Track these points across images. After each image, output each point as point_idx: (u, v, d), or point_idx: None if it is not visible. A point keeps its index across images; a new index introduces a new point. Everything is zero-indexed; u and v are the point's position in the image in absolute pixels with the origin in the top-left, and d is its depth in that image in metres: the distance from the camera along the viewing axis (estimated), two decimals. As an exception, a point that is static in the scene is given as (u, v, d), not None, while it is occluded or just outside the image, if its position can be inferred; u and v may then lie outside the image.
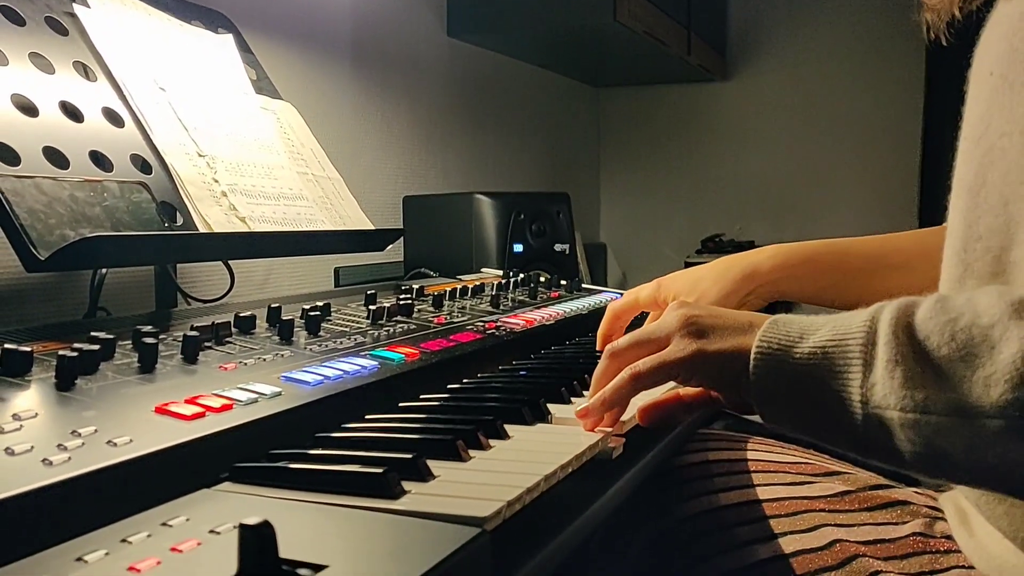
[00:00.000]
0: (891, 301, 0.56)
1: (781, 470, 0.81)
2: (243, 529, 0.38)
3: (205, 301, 1.14)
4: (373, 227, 1.22)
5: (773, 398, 0.59)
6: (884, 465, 0.58)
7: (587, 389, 0.82)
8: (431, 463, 0.55)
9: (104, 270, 1.05)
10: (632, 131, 3.18)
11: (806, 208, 2.90)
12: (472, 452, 0.59)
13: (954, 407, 0.50)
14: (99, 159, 0.90)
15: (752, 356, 0.60)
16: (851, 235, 0.97)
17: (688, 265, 2.79)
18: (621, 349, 0.69)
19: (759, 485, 0.79)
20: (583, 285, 1.47)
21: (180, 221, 0.95)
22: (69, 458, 0.48)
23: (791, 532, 0.73)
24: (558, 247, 1.89)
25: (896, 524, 0.74)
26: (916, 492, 0.79)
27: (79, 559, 0.41)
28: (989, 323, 0.50)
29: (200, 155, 1.01)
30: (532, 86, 2.69)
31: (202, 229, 0.95)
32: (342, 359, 0.76)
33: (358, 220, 1.20)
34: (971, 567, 0.69)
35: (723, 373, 0.63)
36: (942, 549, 0.71)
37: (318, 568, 0.41)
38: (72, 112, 0.90)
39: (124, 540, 0.43)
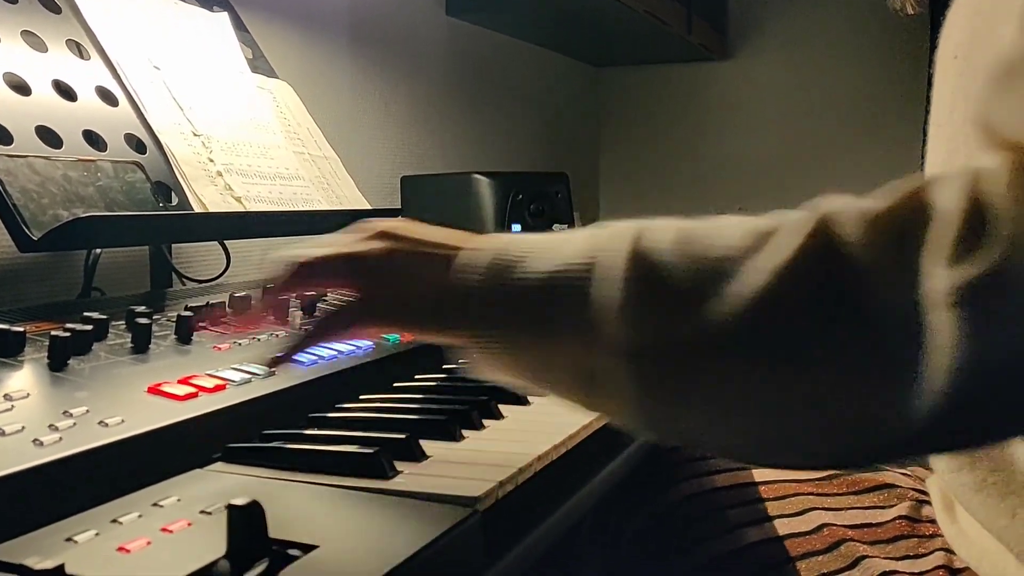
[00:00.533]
0: (626, 227, 0.49)
1: None
2: (231, 509, 0.38)
3: (200, 281, 1.14)
4: (370, 207, 1.21)
5: (487, 326, 0.49)
6: (612, 419, 0.50)
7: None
8: (425, 443, 0.55)
9: (98, 250, 1.05)
10: (632, 111, 3.17)
11: (807, 189, 2.87)
12: (466, 432, 0.59)
13: (684, 347, 0.44)
14: (93, 138, 0.89)
15: (468, 266, 0.50)
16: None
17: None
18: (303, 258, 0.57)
19: (750, 468, 0.79)
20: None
21: (175, 201, 0.94)
22: (60, 439, 0.48)
23: (780, 515, 0.74)
24: (557, 227, 1.88)
25: (883, 508, 0.74)
26: (903, 474, 0.79)
27: (69, 539, 0.41)
28: (726, 255, 0.45)
29: (195, 135, 1.01)
30: (531, 65, 2.67)
31: (197, 209, 0.95)
32: (337, 339, 0.76)
33: (355, 200, 1.20)
34: (953, 552, 0.69)
35: (421, 289, 0.52)
36: (927, 533, 0.71)
37: (308, 548, 0.41)
38: (65, 91, 0.89)
39: (115, 520, 0.43)
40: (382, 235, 0.55)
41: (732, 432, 0.46)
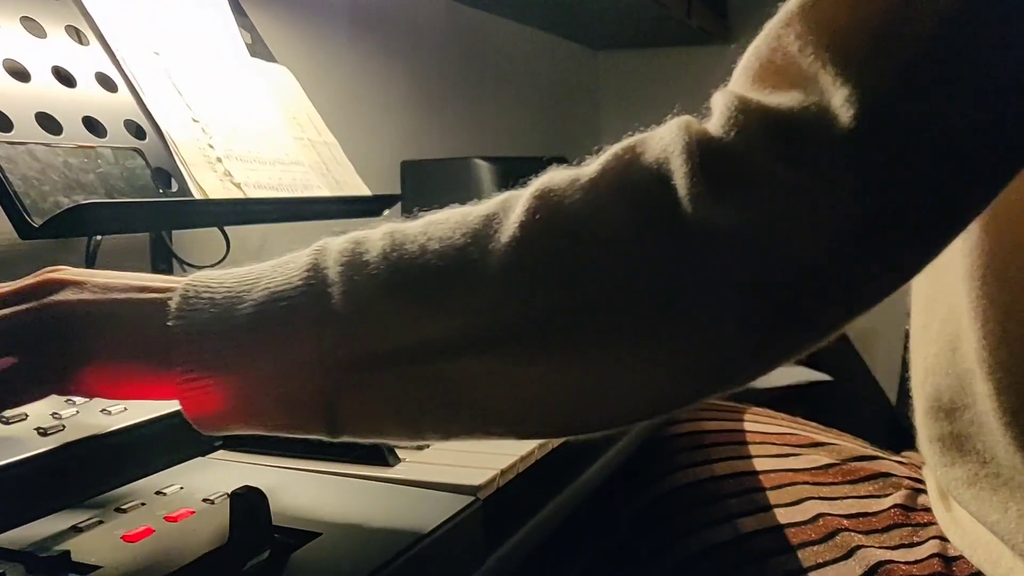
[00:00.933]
0: (335, 241, 0.47)
1: (768, 441, 0.81)
2: (234, 498, 0.38)
3: (201, 267, 1.14)
4: (370, 193, 1.21)
5: (215, 367, 0.43)
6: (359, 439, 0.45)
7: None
8: (425, 431, 0.55)
9: (99, 237, 1.05)
10: (631, 94, 3.16)
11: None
12: (466, 420, 0.60)
13: (413, 356, 0.41)
14: (92, 125, 0.89)
15: (174, 303, 0.44)
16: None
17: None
18: None
19: (748, 457, 0.79)
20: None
21: (175, 187, 0.94)
22: (63, 427, 0.48)
23: (776, 505, 0.74)
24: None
25: (878, 497, 0.74)
26: (899, 463, 0.80)
27: (74, 527, 0.42)
28: (447, 249, 0.43)
29: (195, 120, 1.01)
30: (531, 49, 2.66)
31: (197, 195, 0.94)
32: (338, 326, 0.76)
33: (355, 186, 1.20)
34: (947, 540, 0.69)
35: (126, 340, 0.44)
36: (922, 522, 0.72)
37: (311, 536, 0.41)
38: (65, 77, 0.89)
39: (119, 509, 0.44)
40: (48, 284, 0.48)
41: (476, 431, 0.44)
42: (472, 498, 0.46)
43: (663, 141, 0.43)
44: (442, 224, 0.45)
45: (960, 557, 0.67)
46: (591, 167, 0.44)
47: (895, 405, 2.66)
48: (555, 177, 0.45)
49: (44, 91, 0.86)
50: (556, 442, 0.57)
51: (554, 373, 0.41)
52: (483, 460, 0.51)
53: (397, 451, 0.51)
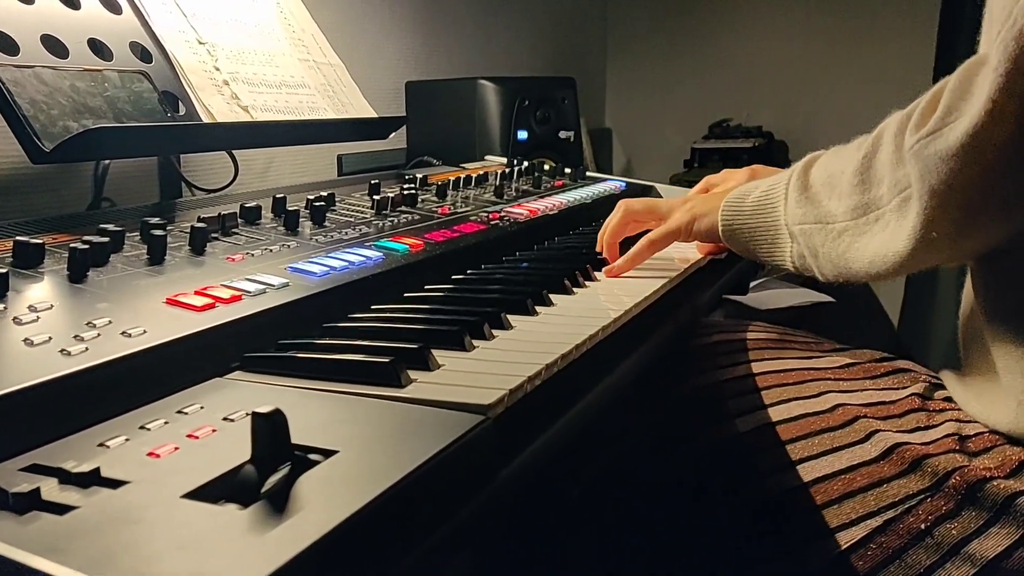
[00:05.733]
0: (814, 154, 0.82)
1: (789, 347, 0.84)
2: (256, 417, 0.40)
3: (209, 191, 1.15)
4: (376, 115, 1.21)
5: (734, 235, 0.87)
6: (801, 270, 0.81)
7: (590, 280, 0.83)
8: (436, 352, 0.57)
9: (107, 160, 1.05)
10: (639, 12, 3.10)
11: (816, 92, 2.85)
12: (476, 342, 0.61)
13: (817, 217, 0.77)
14: (98, 47, 0.88)
15: (720, 211, 0.88)
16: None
17: (695, 151, 2.75)
18: (636, 211, 0.92)
19: (767, 359, 0.82)
20: (587, 173, 1.46)
21: (182, 111, 0.94)
22: (86, 348, 0.49)
23: (796, 398, 0.78)
24: (563, 134, 1.87)
25: (897, 389, 0.79)
26: (918, 364, 0.83)
27: (101, 444, 0.43)
28: (851, 171, 0.74)
29: (200, 42, 1.00)
30: (537, -35, 2.60)
31: (205, 119, 0.95)
32: (347, 250, 0.77)
33: (361, 108, 1.19)
34: (964, 421, 0.73)
35: (706, 229, 0.89)
36: (937, 408, 0.76)
37: (329, 453, 0.42)
38: (68, -2, 0.88)
39: (142, 427, 0.45)
40: (684, 204, 0.92)
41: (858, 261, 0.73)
42: (482, 417, 0.48)
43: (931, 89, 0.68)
44: (846, 160, 0.76)
45: (976, 435, 0.71)
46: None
47: (897, 327, 2.68)
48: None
49: (48, 12, 0.85)
50: (563, 364, 0.59)
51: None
52: (492, 381, 0.52)
53: (409, 372, 0.53)
